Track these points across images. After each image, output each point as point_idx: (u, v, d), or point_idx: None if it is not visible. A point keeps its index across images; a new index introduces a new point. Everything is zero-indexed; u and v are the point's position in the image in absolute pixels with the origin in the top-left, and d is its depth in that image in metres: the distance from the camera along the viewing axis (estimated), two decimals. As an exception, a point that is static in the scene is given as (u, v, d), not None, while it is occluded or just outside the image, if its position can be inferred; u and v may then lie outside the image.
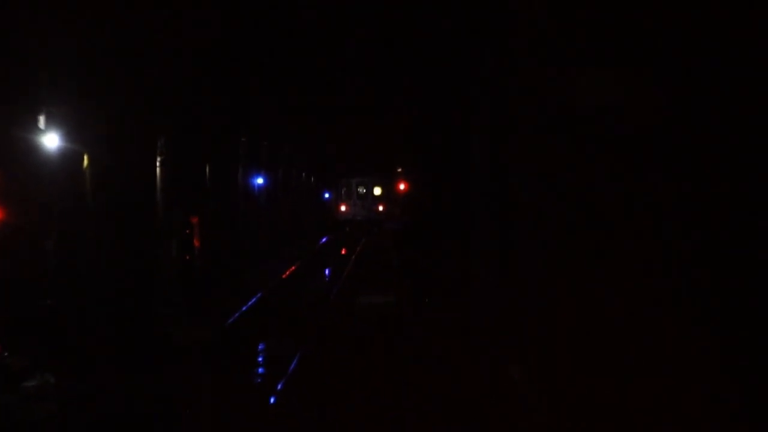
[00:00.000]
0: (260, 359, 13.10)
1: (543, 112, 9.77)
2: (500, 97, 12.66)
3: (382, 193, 48.05)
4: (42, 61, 12.37)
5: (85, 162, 13.61)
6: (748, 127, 6.28)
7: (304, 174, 46.84)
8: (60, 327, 12.03)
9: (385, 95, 27.50)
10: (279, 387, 10.33)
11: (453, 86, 18.00)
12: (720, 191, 6.49)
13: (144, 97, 14.46)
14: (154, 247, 15.26)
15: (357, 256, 29.61)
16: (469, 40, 15.02)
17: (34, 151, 12.50)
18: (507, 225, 12.01)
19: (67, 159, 13.14)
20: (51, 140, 12.64)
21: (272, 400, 9.93)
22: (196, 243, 18.97)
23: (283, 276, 23.12)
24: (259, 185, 28.88)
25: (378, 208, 47.70)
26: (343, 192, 48.33)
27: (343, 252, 33.12)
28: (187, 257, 18.21)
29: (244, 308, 16.62)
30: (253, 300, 17.63)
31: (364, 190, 48.06)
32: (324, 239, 38.28)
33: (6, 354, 10.54)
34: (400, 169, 47.89)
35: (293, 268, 24.85)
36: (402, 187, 46.75)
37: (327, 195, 54.34)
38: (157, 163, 15.87)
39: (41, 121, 12.62)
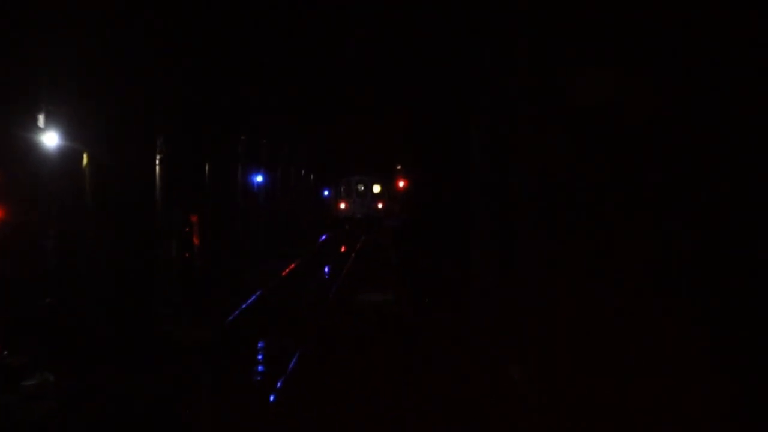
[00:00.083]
0: (260, 358, 13.10)
1: (542, 112, 9.77)
2: (500, 97, 12.67)
3: (382, 190, 48.02)
4: (42, 60, 12.36)
5: (85, 161, 13.60)
6: (748, 126, 6.28)
7: (303, 172, 46.85)
8: (60, 326, 12.02)
9: (385, 94, 27.50)
10: (279, 386, 10.33)
11: (453, 85, 18.00)
12: (720, 191, 6.50)
13: (143, 96, 14.45)
14: (154, 246, 15.24)
15: (356, 254, 29.60)
16: (468, 40, 15.03)
17: (33, 150, 12.49)
18: (507, 224, 12.01)
19: (67, 158, 13.12)
20: (50, 139, 12.63)
21: (272, 398, 9.93)
22: (196, 242, 18.94)
23: (283, 274, 23.11)
24: (258, 183, 28.88)
25: (377, 206, 47.67)
26: (342, 190, 48.32)
27: (342, 250, 33.12)
28: (187, 256, 18.18)
29: (243, 307, 16.62)
30: (253, 299, 17.62)
31: (363, 188, 48.05)
32: (323, 237, 38.26)
33: (6, 353, 10.54)
34: (399, 167, 47.88)
35: (293, 266, 24.84)
36: (401, 184, 46.72)
37: (326, 193, 54.32)
38: (157, 162, 15.86)
39: (41, 119, 12.61)
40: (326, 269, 26.02)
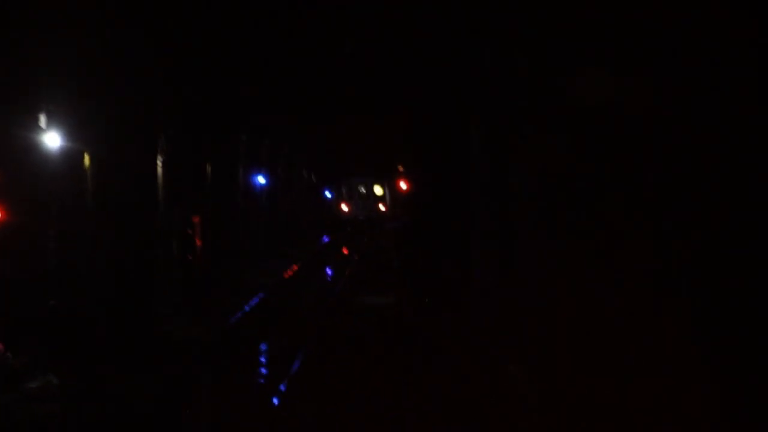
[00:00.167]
0: (262, 360, 13.11)
1: (542, 112, 9.78)
2: (499, 96, 12.67)
3: (383, 192, 47.99)
4: (43, 60, 12.37)
5: (86, 161, 13.60)
6: (748, 126, 6.28)
7: (305, 173, 46.85)
8: (61, 327, 12.02)
9: (385, 94, 27.50)
10: (279, 385, 10.34)
11: (452, 85, 18.01)
12: (720, 191, 6.49)
13: (144, 97, 14.45)
14: (155, 246, 15.24)
15: (358, 256, 29.61)
16: (468, 40, 15.03)
17: (34, 150, 12.49)
18: (506, 224, 12.02)
19: (68, 158, 13.13)
20: (52, 139, 12.64)
21: (273, 397, 9.95)
22: (198, 242, 18.95)
23: (285, 276, 23.11)
24: (260, 184, 28.87)
25: (379, 208, 47.64)
26: (344, 191, 48.31)
27: (344, 252, 33.11)
28: (189, 257, 18.19)
29: (246, 308, 16.62)
30: (255, 300, 17.62)
31: (365, 190, 48.02)
32: (325, 239, 38.24)
33: (8, 354, 10.54)
34: (401, 169, 47.84)
35: (295, 267, 24.84)
36: (404, 186, 46.68)
37: (328, 194, 54.31)
38: (158, 163, 15.87)
39: (42, 120, 12.61)
40: (328, 271, 26.04)
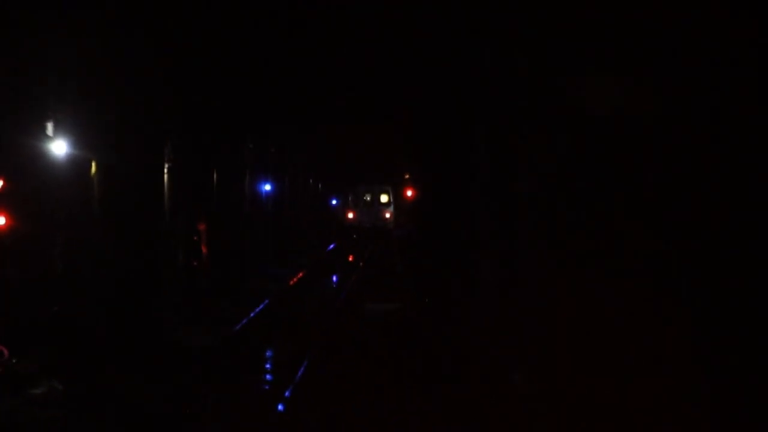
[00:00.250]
0: (268, 366, 13.10)
1: (542, 112, 9.78)
2: (499, 97, 12.68)
3: (389, 200, 48.05)
4: (49, 68, 12.43)
5: (93, 169, 13.66)
6: (748, 126, 6.27)
7: (311, 180, 46.94)
8: (67, 333, 12.06)
9: (386, 95, 27.53)
10: (287, 394, 10.35)
11: (452, 85, 18.03)
12: (720, 191, 6.48)
13: (151, 105, 14.51)
14: (161, 253, 15.29)
15: (364, 263, 29.60)
16: (469, 42, 15.05)
17: (42, 158, 12.56)
18: (507, 224, 12.02)
19: (76, 166, 13.19)
20: (59, 147, 12.70)
21: (280, 407, 9.97)
22: (203, 249, 19.00)
23: (291, 283, 23.12)
24: (266, 192, 28.90)
25: (385, 216, 47.68)
26: (350, 199, 48.40)
27: (350, 259, 33.11)
28: (194, 263, 18.23)
29: (251, 315, 16.62)
30: (261, 307, 17.63)
31: (371, 198, 48.10)
32: (331, 246, 38.25)
33: (13, 360, 10.57)
34: (407, 176, 47.86)
35: (300, 274, 24.84)
36: (409, 194, 46.69)
37: (334, 202, 54.37)
38: (165, 170, 15.92)
39: (49, 128, 12.68)
40: (334, 278, 26.03)
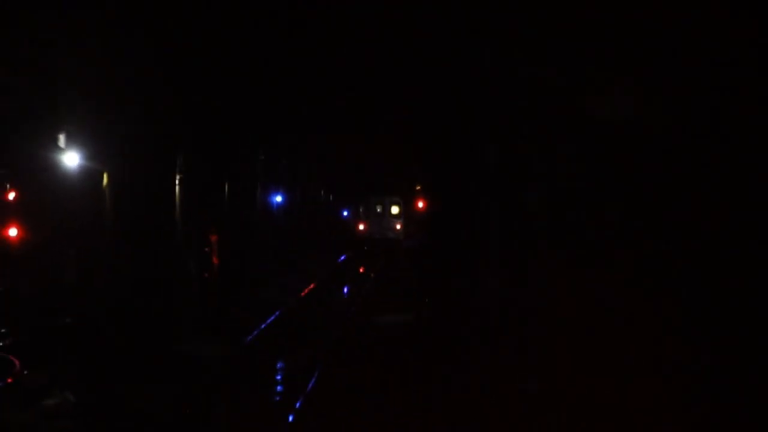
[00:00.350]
0: (278, 377, 13.11)
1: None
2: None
3: (399, 211, 48.13)
4: (63, 81, 12.49)
5: (105, 180, 13.71)
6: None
7: (322, 192, 47.05)
8: (79, 344, 12.08)
9: (404, 115, 27.57)
10: (297, 405, 10.35)
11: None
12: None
13: (163, 117, 14.56)
14: (172, 264, 15.31)
15: (375, 274, 29.60)
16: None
17: (54, 169, 12.61)
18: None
19: (88, 177, 13.22)
20: (71, 159, 12.75)
21: (290, 418, 9.98)
22: (215, 261, 19.06)
23: (302, 294, 23.14)
24: (277, 203, 28.89)
25: (395, 227, 47.73)
26: (361, 211, 48.53)
27: (361, 270, 33.12)
28: (206, 275, 18.27)
29: (262, 326, 16.64)
30: (272, 318, 17.65)
31: (381, 209, 48.22)
32: (342, 257, 38.30)
33: (25, 372, 10.58)
34: (419, 188, 47.94)
35: (312, 286, 24.85)
36: (420, 205, 46.76)
37: (345, 213, 54.48)
38: (176, 182, 15.95)
39: (62, 140, 12.73)
40: (345, 289, 26.04)
